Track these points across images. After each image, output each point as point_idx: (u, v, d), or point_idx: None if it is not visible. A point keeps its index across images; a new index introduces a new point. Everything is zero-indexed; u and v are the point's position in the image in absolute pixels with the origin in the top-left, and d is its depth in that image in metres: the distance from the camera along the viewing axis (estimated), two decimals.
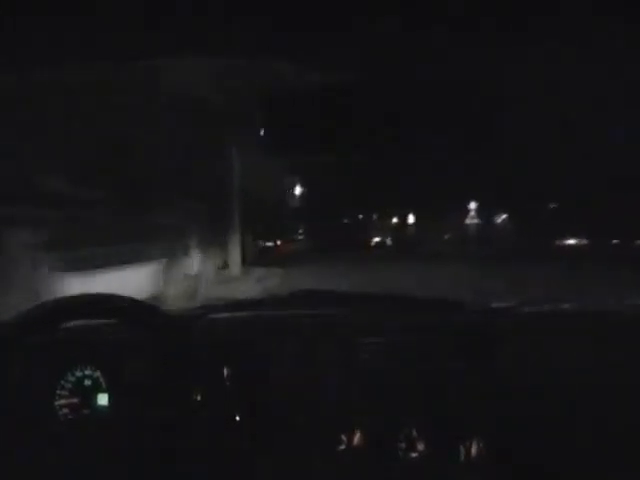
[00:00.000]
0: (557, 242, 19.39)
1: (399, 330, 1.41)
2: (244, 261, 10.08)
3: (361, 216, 24.60)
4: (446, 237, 22.27)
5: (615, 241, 17.70)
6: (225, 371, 1.35)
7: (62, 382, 1.36)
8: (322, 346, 1.40)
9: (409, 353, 1.38)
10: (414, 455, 1.29)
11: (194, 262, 7.19)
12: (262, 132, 1.52)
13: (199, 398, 1.33)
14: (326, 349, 1.40)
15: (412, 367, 1.36)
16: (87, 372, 1.37)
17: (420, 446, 1.29)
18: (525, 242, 17.89)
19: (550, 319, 1.44)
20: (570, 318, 1.47)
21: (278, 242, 16.60)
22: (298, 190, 14.87)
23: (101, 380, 1.37)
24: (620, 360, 1.35)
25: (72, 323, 1.38)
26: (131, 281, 5.50)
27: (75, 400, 1.36)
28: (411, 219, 23.46)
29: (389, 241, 24.00)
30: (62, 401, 1.35)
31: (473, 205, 19.62)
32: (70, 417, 1.35)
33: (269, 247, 15.50)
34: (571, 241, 19.36)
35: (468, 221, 19.88)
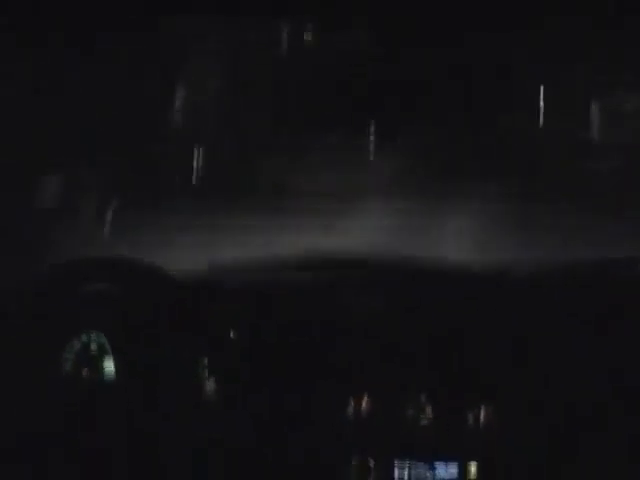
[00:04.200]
0: None
1: (409, 294, 1.39)
2: None
3: None
4: None
5: None
6: (232, 335, 1.35)
7: (68, 346, 1.36)
8: (331, 310, 1.39)
9: (419, 318, 1.37)
10: (423, 421, 1.29)
11: None
12: None
13: (207, 362, 1.33)
14: (335, 313, 1.39)
15: (421, 332, 1.34)
16: (93, 336, 1.37)
17: (429, 411, 1.29)
18: None
19: (559, 281, 1.42)
20: (577, 282, 1.44)
21: None
22: None
23: (107, 345, 1.37)
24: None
25: (80, 287, 1.39)
26: None
27: (81, 364, 1.36)
28: None
29: None
30: (68, 365, 1.36)
31: None
32: (76, 381, 1.35)
33: None
34: None
35: None
